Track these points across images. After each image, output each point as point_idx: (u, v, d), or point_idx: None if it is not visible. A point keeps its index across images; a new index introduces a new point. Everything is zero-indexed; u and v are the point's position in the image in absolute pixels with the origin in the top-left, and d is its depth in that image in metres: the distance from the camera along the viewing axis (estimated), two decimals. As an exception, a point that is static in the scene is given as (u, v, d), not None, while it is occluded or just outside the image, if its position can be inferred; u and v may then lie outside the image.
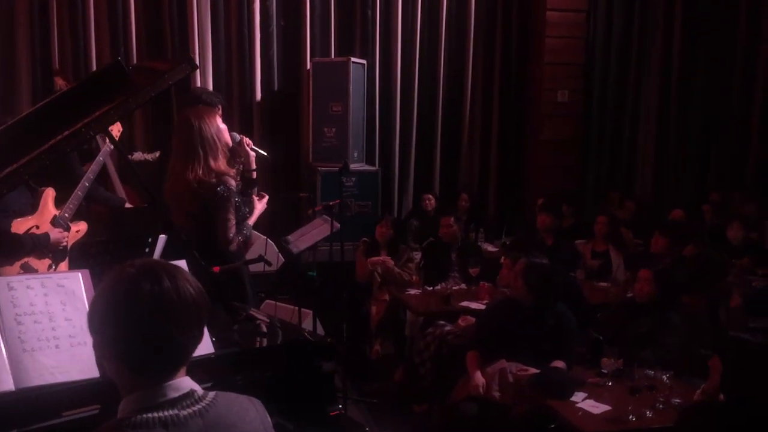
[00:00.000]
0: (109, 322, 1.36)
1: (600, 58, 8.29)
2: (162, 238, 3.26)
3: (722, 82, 8.61)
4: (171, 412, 1.36)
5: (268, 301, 5.44)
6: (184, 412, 1.37)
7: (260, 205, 3.61)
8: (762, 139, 8.72)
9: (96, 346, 1.41)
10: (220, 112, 4.09)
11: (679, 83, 8.47)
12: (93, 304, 1.40)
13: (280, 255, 5.20)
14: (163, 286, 1.36)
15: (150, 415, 1.34)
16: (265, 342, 2.52)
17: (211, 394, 1.45)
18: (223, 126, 3.35)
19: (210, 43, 6.97)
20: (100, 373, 2.08)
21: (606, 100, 8.43)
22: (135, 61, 6.61)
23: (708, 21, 8.43)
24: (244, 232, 3.41)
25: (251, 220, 3.50)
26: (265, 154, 3.79)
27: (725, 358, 2.64)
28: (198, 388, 1.44)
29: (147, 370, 1.38)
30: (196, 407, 1.40)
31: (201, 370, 1.74)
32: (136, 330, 1.35)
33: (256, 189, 3.68)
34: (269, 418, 1.53)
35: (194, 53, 6.87)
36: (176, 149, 3.32)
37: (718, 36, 8.49)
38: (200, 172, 3.20)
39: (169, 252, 3.34)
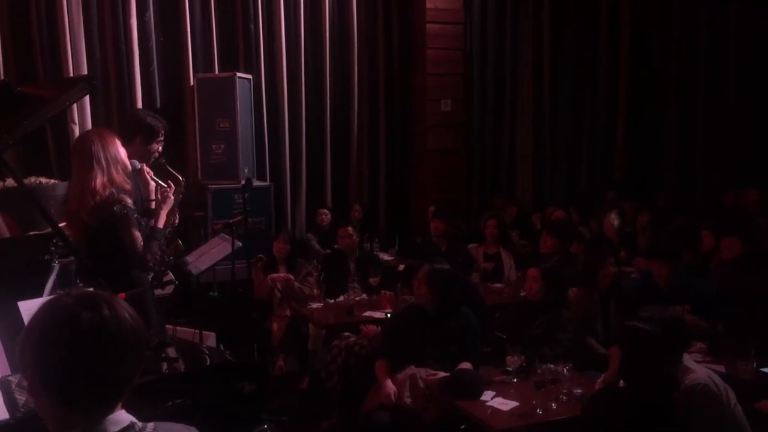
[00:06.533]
0: (46, 355, 1.29)
1: (478, 68, 8.62)
2: (54, 267, 3.09)
3: (588, 91, 9.17)
4: None
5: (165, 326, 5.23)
6: None
7: (166, 205, 3.33)
8: (627, 147, 9.38)
9: (27, 382, 1.33)
10: (161, 137, 3.76)
11: (551, 93, 8.94)
12: (26, 338, 1.32)
13: (173, 277, 5.02)
14: (103, 315, 1.31)
15: None
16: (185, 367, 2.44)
17: (150, 425, 1.41)
18: (122, 150, 3.23)
19: (85, 61, 6.67)
20: (9, 413, 1.95)
21: (485, 109, 8.76)
22: None
23: (573, 30, 8.97)
24: (157, 238, 3.25)
25: (160, 222, 3.31)
26: (180, 177, 3.58)
27: (624, 346, 2.82)
28: (137, 421, 1.39)
29: (86, 405, 1.32)
30: (138, 440, 1.35)
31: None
32: (77, 362, 1.28)
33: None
34: None
35: (68, 71, 6.54)
36: (76, 169, 3.17)
37: (583, 45, 9.06)
38: (98, 183, 3.05)
39: (71, 279, 3.18)
